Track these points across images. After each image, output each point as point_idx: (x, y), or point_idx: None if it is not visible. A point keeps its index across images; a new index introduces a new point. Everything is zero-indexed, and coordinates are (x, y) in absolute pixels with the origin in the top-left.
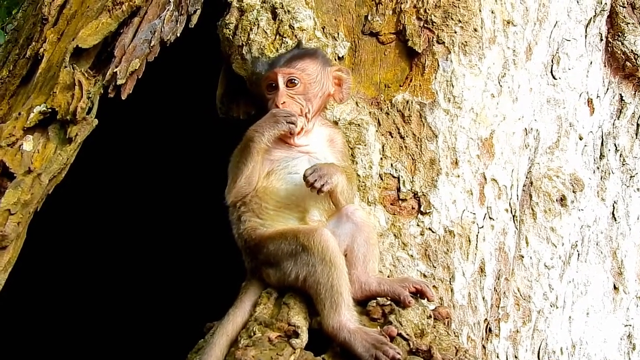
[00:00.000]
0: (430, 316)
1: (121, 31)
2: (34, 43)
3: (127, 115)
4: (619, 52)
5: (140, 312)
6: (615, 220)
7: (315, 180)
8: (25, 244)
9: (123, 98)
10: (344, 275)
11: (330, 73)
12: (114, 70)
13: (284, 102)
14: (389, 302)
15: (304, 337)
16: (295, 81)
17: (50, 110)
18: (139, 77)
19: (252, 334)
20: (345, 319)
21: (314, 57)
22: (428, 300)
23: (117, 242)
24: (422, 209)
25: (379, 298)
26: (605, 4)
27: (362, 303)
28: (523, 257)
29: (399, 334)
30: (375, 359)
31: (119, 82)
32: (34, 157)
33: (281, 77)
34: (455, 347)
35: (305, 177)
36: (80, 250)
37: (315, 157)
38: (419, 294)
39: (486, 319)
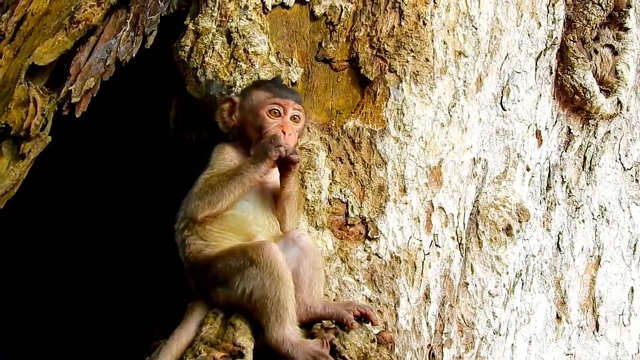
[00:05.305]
0: (373, 340)
1: (77, 50)
2: None
3: (82, 133)
4: (568, 85)
5: (87, 330)
6: (560, 250)
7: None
8: None
9: (77, 116)
10: (290, 290)
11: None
12: (69, 88)
13: (291, 134)
14: (333, 325)
15: (249, 357)
16: (298, 119)
17: (4, 126)
18: (94, 95)
19: (198, 353)
20: (289, 332)
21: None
22: (372, 324)
23: (67, 258)
24: (369, 234)
25: (324, 321)
26: (556, 38)
27: (307, 325)
28: (468, 284)
29: (343, 357)
30: None
31: (74, 100)
32: None
33: (290, 110)
34: None
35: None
36: (29, 264)
37: (267, 186)
38: (363, 318)
39: (430, 345)
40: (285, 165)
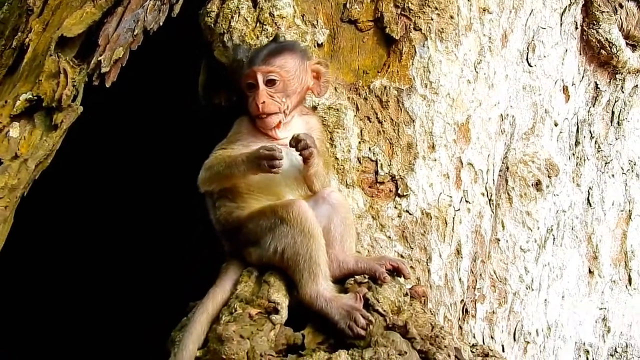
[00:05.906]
0: (406, 294)
1: (105, 20)
2: (19, 34)
3: (113, 102)
4: (593, 40)
5: (127, 296)
6: (591, 205)
7: (304, 147)
8: (12, 229)
9: (107, 86)
10: (322, 246)
11: (309, 67)
12: (98, 59)
13: (264, 102)
14: (366, 280)
15: (284, 313)
16: (275, 79)
17: (36, 97)
18: (123, 65)
19: (233, 310)
20: (323, 288)
21: (292, 52)
22: (404, 277)
23: (100, 225)
24: (399, 191)
25: (356, 276)
26: None
27: (341, 281)
28: (499, 240)
29: (376, 310)
30: (349, 328)
31: (103, 70)
32: (20, 144)
33: (260, 76)
34: (431, 324)
35: (296, 142)
36: (65, 234)
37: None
38: (395, 272)
39: (462, 300)
40: (301, 156)
